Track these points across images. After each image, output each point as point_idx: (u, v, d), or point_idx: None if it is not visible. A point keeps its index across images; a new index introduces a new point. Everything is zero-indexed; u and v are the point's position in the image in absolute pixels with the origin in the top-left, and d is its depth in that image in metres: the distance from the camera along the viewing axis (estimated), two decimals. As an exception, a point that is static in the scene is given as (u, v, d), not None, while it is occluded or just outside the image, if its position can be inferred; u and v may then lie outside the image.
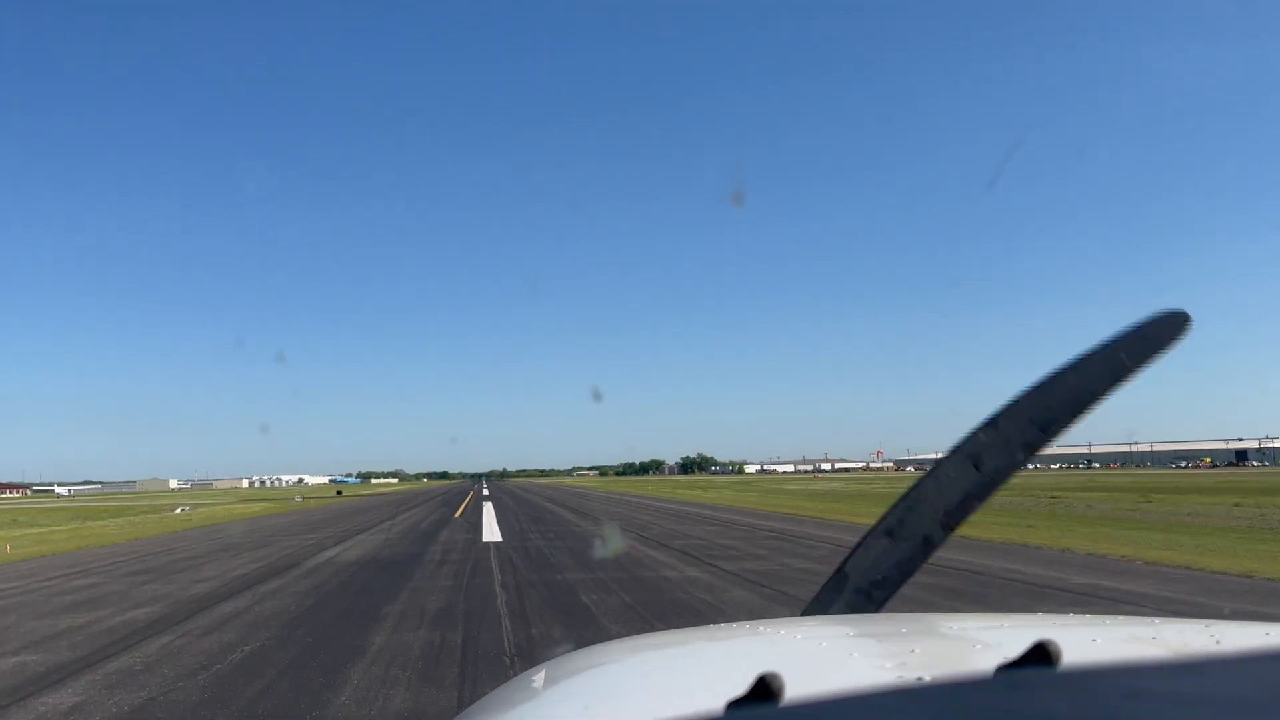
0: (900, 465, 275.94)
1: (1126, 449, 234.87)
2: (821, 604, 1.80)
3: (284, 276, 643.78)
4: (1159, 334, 1.69)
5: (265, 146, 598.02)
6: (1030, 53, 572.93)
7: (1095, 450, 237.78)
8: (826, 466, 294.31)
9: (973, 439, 1.71)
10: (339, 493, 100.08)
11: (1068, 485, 61.22)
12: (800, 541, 19.66)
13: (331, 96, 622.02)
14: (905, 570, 1.74)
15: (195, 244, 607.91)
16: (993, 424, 1.71)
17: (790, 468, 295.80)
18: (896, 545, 1.74)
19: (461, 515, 35.43)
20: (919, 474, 1.96)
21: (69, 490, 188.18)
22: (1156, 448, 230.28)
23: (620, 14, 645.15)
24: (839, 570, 1.80)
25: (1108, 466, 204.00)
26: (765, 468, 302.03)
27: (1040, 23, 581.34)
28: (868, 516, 31.63)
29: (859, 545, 1.79)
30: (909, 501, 1.75)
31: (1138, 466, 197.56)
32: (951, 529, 1.72)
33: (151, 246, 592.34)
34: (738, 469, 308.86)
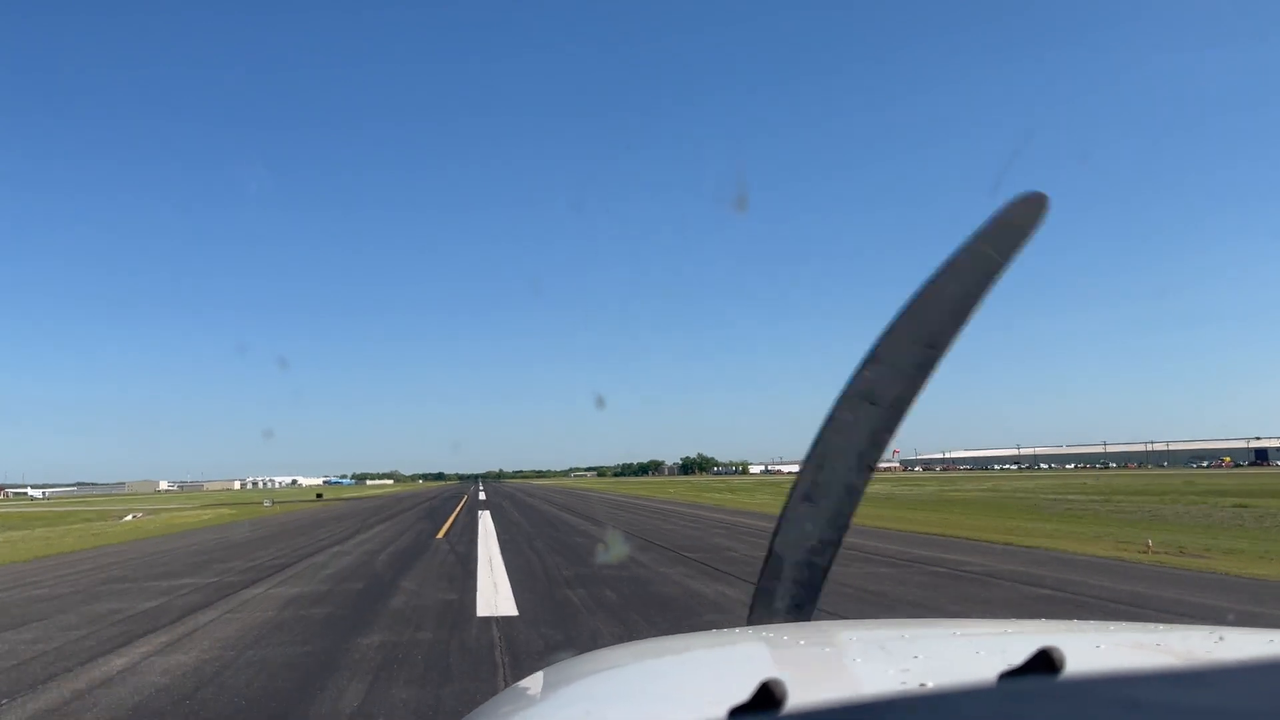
0: (907, 465, 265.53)
1: (1142, 449, 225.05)
2: (765, 594, 1.69)
3: (281, 278, 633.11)
4: (1020, 220, 1.65)
5: (261, 146, 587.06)
6: (1032, 53, 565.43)
7: (1110, 450, 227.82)
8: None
9: (859, 377, 1.66)
10: (319, 495, 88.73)
11: (1171, 489, 50.66)
12: (1088, 600, 8.75)
13: (329, 97, 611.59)
14: (838, 525, 1.67)
15: (193, 246, 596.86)
16: (876, 358, 1.66)
17: (796, 468, 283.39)
18: (819, 506, 1.66)
19: (447, 535, 24.49)
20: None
21: (43, 493, 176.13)
22: (1172, 447, 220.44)
23: (619, 14, 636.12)
24: (770, 553, 1.68)
25: (1125, 467, 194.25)
26: (770, 468, 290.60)
27: (1041, 23, 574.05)
28: (1062, 538, 21.22)
29: (781, 521, 1.67)
30: (816, 460, 1.67)
31: (1155, 466, 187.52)
32: (871, 469, 1.65)
33: (149, 248, 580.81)
34: (742, 469, 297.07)
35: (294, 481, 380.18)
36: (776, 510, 1.83)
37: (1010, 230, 1.65)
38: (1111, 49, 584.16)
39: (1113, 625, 1.57)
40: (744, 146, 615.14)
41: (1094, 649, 1.27)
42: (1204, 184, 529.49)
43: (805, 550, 1.68)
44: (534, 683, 1.45)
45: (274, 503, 65.30)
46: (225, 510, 55.93)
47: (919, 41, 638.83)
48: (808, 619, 1.73)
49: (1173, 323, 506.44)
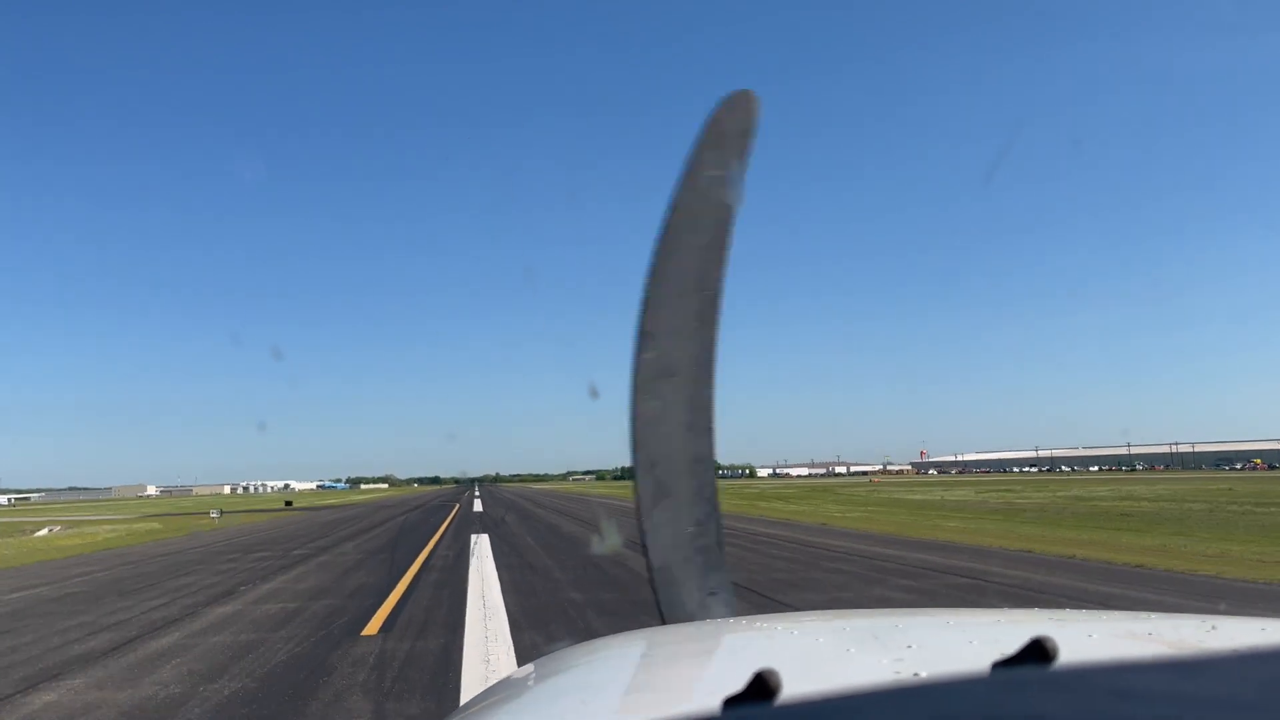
0: (920, 469, 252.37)
1: (1166, 450, 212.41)
2: (671, 603, 1.70)
3: (276, 280, 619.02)
4: (736, 124, 1.56)
5: (255, 145, 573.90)
6: (1027, 50, 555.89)
7: (1135, 452, 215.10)
8: (841, 469, 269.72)
9: (642, 362, 1.60)
10: (288, 503, 74.77)
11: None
12: None
13: (324, 97, 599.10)
14: (707, 498, 1.67)
15: (188, 248, 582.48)
16: (646, 334, 1.60)
17: (805, 471, 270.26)
18: (679, 497, 1.66)
19: (393, 617, 10.89)
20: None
21: (9, 499, 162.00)
22: (1197, 448, 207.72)
23: (615, 14, 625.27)
24: (650, 565, 1.64)
25: (1153, 468, 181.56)
26: (778, 471, 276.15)
27: (1036, 20, 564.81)
28: None
29: (645, 530, 1.63)
30: (647, 463, 1.63)
31: (1186, 469, 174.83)
32: (710, 429, 1.65)
33: (146, 251, 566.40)
34: (749, 472, 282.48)
35: (286, 486, 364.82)
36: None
37: (730, 139, 1.49)
38: (1105, 44, 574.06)
39: (1105, 614, 1.53)
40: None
41: (1087, 638, 1.24)
42: (1225, 179, 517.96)
43: (691, 547, 1.57)
44: (528, 672, 1.41)
45: (222, 513, 51.78)
46: (151, 525, 42.64)
47: (915, 38, 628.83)
48: (733, 610, 1.64)
49: (1187, 322, 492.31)
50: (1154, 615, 1.45)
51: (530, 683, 1.33)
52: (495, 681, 1.46)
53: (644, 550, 1.66)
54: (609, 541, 18.62)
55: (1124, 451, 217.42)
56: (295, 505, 69.80)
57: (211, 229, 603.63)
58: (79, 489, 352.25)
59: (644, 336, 1.57)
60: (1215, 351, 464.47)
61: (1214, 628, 1.25)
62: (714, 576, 1.64)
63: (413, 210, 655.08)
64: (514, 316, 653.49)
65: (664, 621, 1.69)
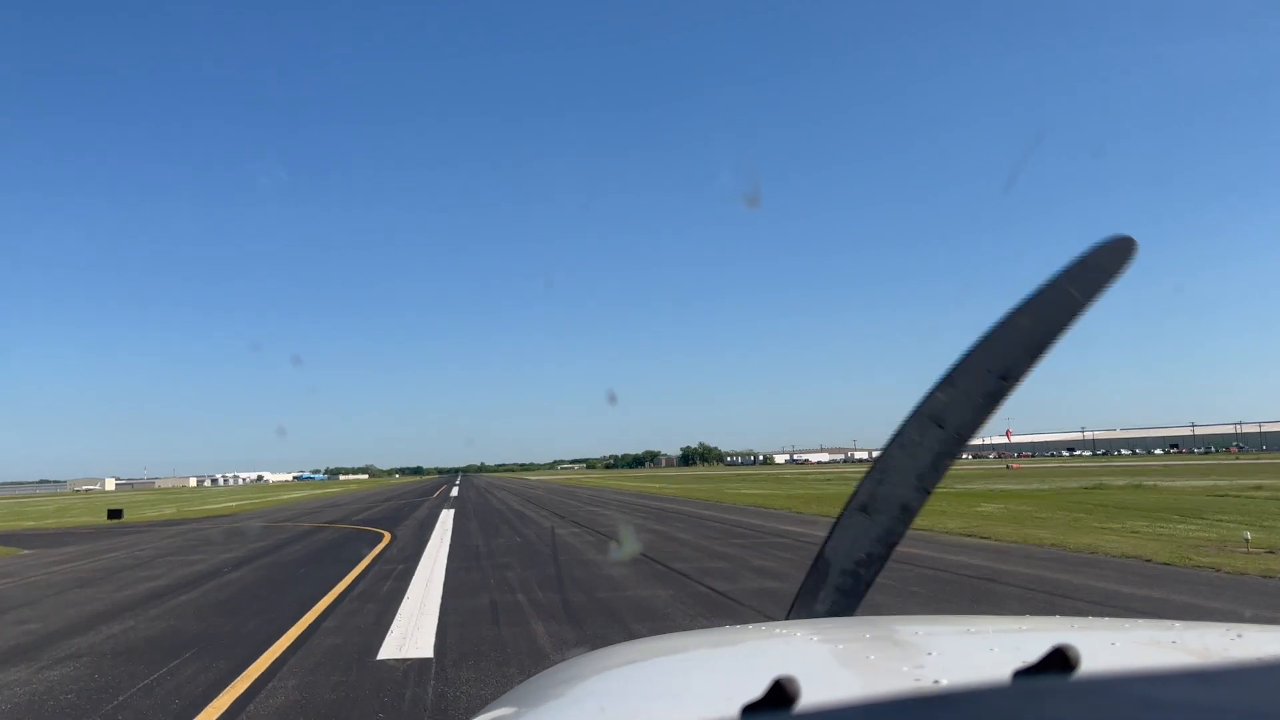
0: (1010, 451, 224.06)
1: (1232, 430, 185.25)
2: (808, 595, 1.66)
3: (268, 276, 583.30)
4: (1106, 263, 1.58)
5: (269, 142, 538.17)
6: (1045, 47, 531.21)
7: (1199, 433, 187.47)
8: (861, 455, 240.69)
9: (931, 399, 1.61)
10: (113, 513, 41.18)
11: None
12: None
13: (340, 95, 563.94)
14: (888, 542, 1.63)
15: (176, 244, 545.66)
16: (950, 381, 1.61)
17: (825, 457, 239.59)
18: (874, 519, 1.63)
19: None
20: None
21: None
22: (1264, 429, 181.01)
23: (630, 10, 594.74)
24: (818, 557, 1.66)
25: (1228, 450, 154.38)
26: (795, 457, 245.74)
27: (1054, 18, 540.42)
28: None
29: (834, 528, 1.65)
30: (878, 474, 1.63)
31: (1257, 451, 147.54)
32: (928, 491, 1.61)
33: (145, 248, 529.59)
34: (764, 459, 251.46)
35: (259, 478, 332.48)
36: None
37: (1095, 272, 1.54)
38: (1119, 42, 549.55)
39: (1128, 623, 1.48)
40: (749, 140, 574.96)
41: (1109, 647, 1.21)
42: (1234, 169, 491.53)
43: (853, 560, 1.61)
44: (548, 677, 1.40)
45: None
46: None
47: (929, 33, 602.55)
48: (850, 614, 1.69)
49: (1240, 296, 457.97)
50: (1178, 624, 1.38)
51: (550, 689, 1.28)
52: (511, 689, 1.40)
53: (825, 537, 1.63)
54: None
55: (1186, 432, 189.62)
56: (125, 519, 38.31)
57: (203, 224, 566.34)
58: (49, 481, 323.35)
59: (948, 380, 1.57)
60: (1270, 328, 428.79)
61: (1239, 636, 1.20)
62: (848, 601, 1.62)
63: (397, 201, 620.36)
64: (502, 309, 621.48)
65: (792, 605, 1.65)
